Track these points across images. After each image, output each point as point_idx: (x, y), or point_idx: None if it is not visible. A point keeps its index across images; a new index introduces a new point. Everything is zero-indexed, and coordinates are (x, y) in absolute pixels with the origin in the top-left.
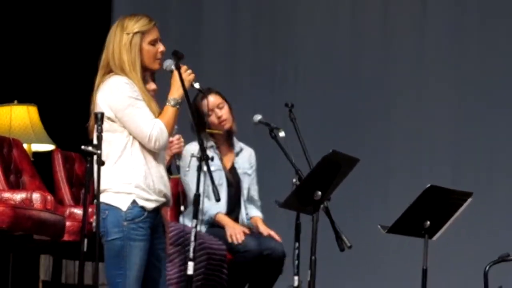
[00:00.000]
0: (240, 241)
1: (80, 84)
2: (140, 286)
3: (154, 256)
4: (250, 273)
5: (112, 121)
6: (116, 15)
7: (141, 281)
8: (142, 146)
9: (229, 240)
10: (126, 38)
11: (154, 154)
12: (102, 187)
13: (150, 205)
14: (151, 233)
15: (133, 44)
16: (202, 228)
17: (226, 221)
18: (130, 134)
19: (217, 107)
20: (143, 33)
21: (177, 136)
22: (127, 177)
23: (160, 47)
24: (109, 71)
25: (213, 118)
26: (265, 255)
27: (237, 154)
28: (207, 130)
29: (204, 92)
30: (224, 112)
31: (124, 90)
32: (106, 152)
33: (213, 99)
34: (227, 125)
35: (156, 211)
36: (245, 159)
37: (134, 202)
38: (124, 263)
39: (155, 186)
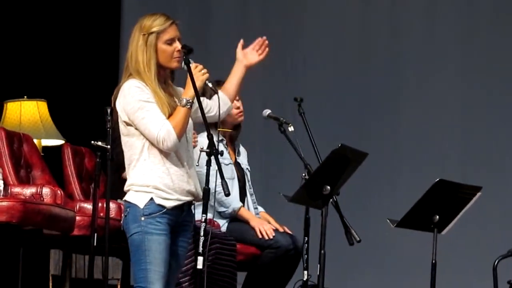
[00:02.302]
0: (271, 237)
1: (90, 79)
2: (165, 282)
3: (172, 253)
4: (277, 269)
5: (129, 125)
6: (125, 11)
7: (165, 277)
8: None
9: (260, 235)
10: (142, 39)
11: (174, 153)
12: (125, 188)
13: (169, 204)
14: (174, 230)
15: (149, 44)
16: (222, 222)
17: (250, 215)
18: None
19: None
20: (158, 33)
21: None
22: (145, 179)
23: (178, 46)
24: (129, 74)
25: None
26: (289, 250)
27: (238, 151)
28: (218, 129)
29: (217, 92)
30: (241, 104)
31: (134, 93)
32: (128, 155)
33: None
34: (241, 118)
35: (180, 209)
36: (244, 156)
37: (151, 199)
38: (144, 258)
39: (175, 185)
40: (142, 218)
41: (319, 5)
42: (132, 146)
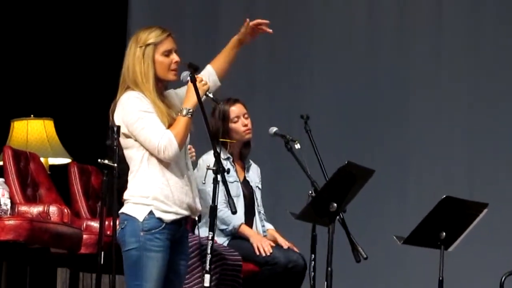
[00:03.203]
0: (268, 253)
1: (96, 98)
2: None
3: (172, 270)
4: (276, 285)
5: (128, 137)
6: (132, 28)
7: None
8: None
9: (257, 252)
10: (139, 50)
11: (173, 164)
12: (124, 198)
13: (168, 217)
14: (172, 246)
15: (146, 56)
16: (223, 240)
17: (251, 232)
18: (143, 147)
19: (243, 116)
20: (155, 44)
21: (188, 146)
22: (145, 190)
23: (175, 58)
24: (126, 87)
25: (239, 125)
26: (289, 267)
27: (248, 168)
28: (221, 139)
29: (218, 102)
30: (249, 122)
31: (134, 104)
32: (130, 167)
33: (241, 107)
34: (249, 135)
35: (178, 223)
36: (254, 173)
37: (151, 213)
38: (141, 274)
39: (174, 196)
40: (141, 234)
41: (325, 21)
42: (132, 158)
